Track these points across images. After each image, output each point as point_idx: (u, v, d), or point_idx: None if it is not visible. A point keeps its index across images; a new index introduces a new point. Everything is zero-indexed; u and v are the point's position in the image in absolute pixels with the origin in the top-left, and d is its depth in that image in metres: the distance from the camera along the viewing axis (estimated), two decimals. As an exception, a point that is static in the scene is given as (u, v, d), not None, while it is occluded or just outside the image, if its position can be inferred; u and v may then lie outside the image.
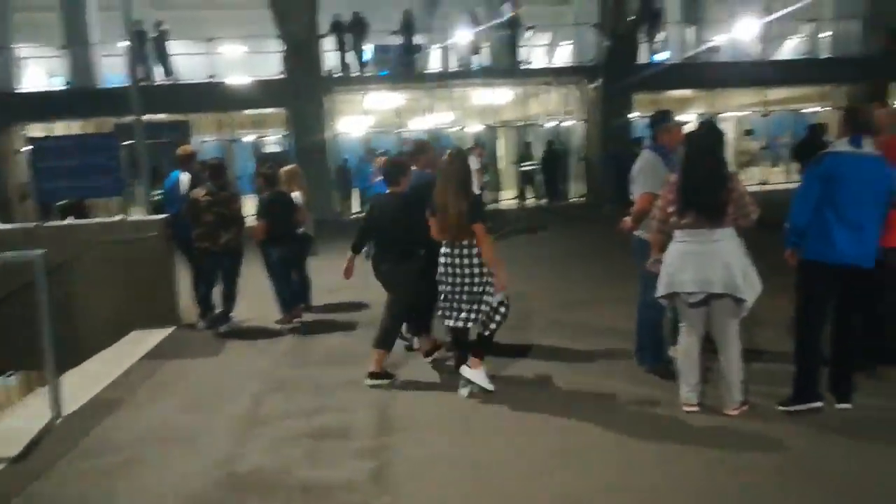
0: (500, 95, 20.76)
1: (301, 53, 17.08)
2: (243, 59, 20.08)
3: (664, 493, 3.45)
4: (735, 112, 20.81)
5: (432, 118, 20.62)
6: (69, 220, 8.68)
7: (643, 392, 4.71)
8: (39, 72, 19.99)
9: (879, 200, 4.06)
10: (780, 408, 4.22)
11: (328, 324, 7.05)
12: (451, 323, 4.91)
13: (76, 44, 17.91)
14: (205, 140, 18.18)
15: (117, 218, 8.14)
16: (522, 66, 19.48)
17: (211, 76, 18.18)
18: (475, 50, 19.20)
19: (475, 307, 4.78)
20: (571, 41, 21.87)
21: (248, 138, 19.49)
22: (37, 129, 17.13)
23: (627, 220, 4.91)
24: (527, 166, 19.55)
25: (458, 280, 4.78)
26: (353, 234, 5.48)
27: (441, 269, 4.86)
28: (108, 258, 7.13)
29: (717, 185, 4.07)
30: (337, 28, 17.88)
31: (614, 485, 3.54)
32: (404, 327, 5.72)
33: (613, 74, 18.00)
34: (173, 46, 17.98)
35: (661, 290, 4.28)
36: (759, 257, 4.21)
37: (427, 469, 3.82)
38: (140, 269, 7.17)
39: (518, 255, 10.16)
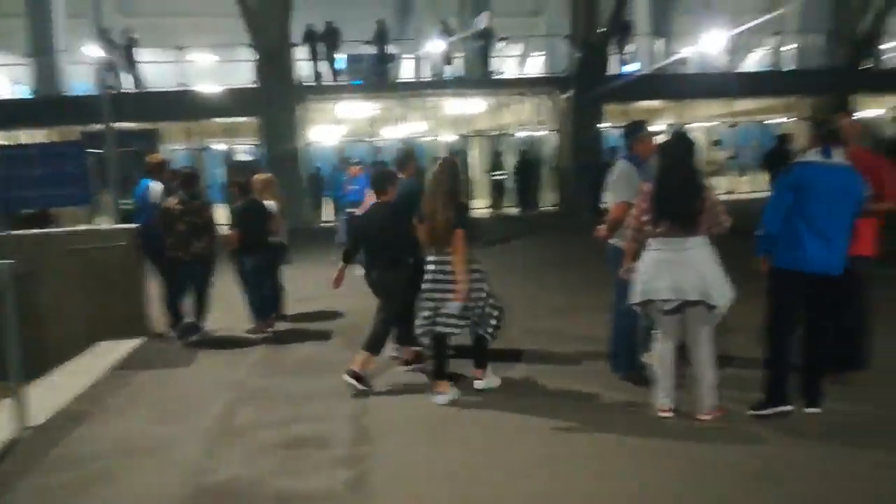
0: (473, 105, 20.87)
1: (274, 62, 17.01)
2: (214, 67, 19.90)
3: (640, 497, 3.48)
4: (703, 122, 21.18)
5: (405, 127, 20.64)
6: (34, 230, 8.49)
7: (619, 398, 4.76)
8: (3, 80, 19.59)
9: (848, 210, 4.14)
10: (752, 412, 4.30)
11: (301, 333, 6.98)
12: (436, 329, 4.91)
13: (42, 51, 17.60)
14: (174, 148, 17.96)
15: (83, 227, 7.98)
16: (495, 77, 19.64)
17: (181, 84, 17.98)
18: (448, 60, 19.29)
19: (461, 315, 4.80)
20: (543, 52, 22.14)
21: (219, 147, 19.31)
22: (0, 138, 16.77)
23: (602, 228, 4.97)
24: (498, 175, 19.67)
25: (444, 287, 4.80)
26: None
27: (428, 277, 4.89)
28: (76, 268, 6.98)
29: (690, 195, 4.13)
30: (310, 37, 17.85)
31: (591, 490, 3.56)
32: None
33: (585, 85, 18.23)
34: (143, 54, 17.77)
35: (636, 297, 4.32)
36: (731, 265, 4.28)
37: (405, 477, 3.79)
38: (108, 279, 7.03)
39: (492, 264, 10.09)
